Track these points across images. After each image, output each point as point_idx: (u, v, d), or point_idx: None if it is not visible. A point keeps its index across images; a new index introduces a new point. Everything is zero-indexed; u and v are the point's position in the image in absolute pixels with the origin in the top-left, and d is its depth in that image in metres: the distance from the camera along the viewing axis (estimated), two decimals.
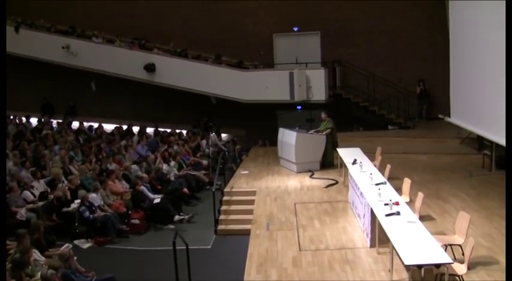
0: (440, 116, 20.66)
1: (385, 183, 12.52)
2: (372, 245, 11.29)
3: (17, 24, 27.06)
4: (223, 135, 25.71)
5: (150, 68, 24.57)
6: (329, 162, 18.80)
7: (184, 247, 11.25)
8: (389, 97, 23.55)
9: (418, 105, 24.17)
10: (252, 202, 15.82)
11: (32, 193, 16.26)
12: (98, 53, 25.65)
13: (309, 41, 25.77)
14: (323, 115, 19.33)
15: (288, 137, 18.72)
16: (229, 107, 24.45)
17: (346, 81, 25.33)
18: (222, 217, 15.91)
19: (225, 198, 16.71)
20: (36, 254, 11.94)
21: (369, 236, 11.43)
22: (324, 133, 18.74)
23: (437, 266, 8.37)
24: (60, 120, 26.98)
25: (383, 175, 13.72)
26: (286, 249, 11.79)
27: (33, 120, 27.15)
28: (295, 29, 25.77)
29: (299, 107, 24.27)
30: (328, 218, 13.60)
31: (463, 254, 9.83)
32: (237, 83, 23.74)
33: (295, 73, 22.45)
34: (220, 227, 15.53)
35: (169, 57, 25.30)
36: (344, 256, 11.08)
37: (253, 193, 16.49)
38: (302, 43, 25.84)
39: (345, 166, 15.51)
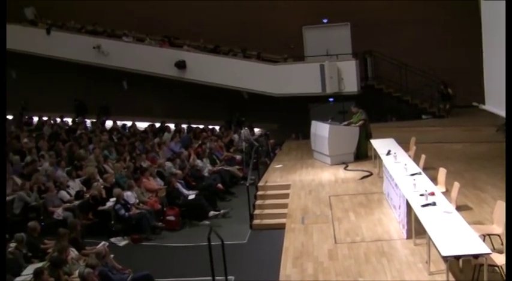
0: (474, 103, 20.37)
1: (420, 173, 12.42)
2: (408, 237, 11.21)
3: (48, 26, 27.31)
4: (256, 129, 25.68)
5: (180, 65, 24.64)
6: (363, 154, 18.71)
7: (220, 243, 11.25)
8: (422, 86, 23.27)
9: (440, 103, 23.69)
10: (286, 196, 15.82)
11: (68, 193, 16.47)
12: (129, 52, 25.80)
13: (339, 33, 25.63)
14: (353, 109, 19.25)
15: (321, 130, 18.67)
16: (262, 101, 24.40)
17: (377, 72, 25.12)
18: (256, 211, 15.91)
19: (259, 192, 16.71)
20: (73, 253, 12.06)
21: (405, 227, 11.34)
22: (357, 125, 18.65)
23: (476, 256, 8.26)
24: (94, 120, 27.23)
25: (418, 165, 13.61)
26: (321, 242, 11.77)
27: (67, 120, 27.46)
28: (325, 20, 25.63)
29: (331, 99, 24.16)
30: (363, 210, 13.54)
31: (502, 244, 9.69)
32: (269, 77, 23.69)
33: (326, 65, 22.33)
34: (256, 221, 15.53)
35: (200, 53, 25.35)
36: (380, 248, 11.02)
37: (288, 187, 16.49)
38: (332, 35, 25.70)
39: (379, 157, 15.42)
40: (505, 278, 8.38)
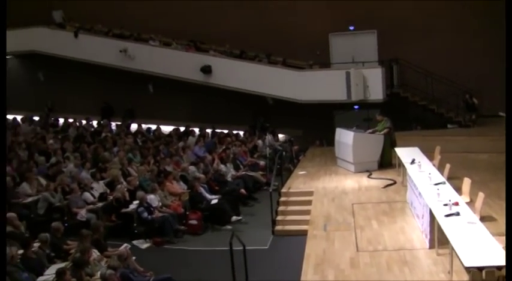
0: (501, 113, 20.20)
1: (444, 183, 12.35)
2: (431, 246, 11.14)
3: (75, 29, 27.56)
4: (280, 135, 25.67)
5: (206, 69, 24.72)
6: (387, 162, 18.62)
7: (242, 248, 11.25)
8: (448, 95, 23.10)
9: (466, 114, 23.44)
10: (309, 203, 15.78)
11: (92, 194, 16.55)
12: (155, 56, 25.96)
13: (365, 40, 25.55)
14: (378, 117, 19.20)
15: (345, 137, 18.63)
16: (286, 107, 24.40)
17: (403, 80, 24.96)
18: (279, 217, 15.88)
19: (282, 199, 16.69)
20: (95, 254, 12.13)
21: (428, 237, 11.28)
22: (381, 133, 18.58)
23: (499, 268, 8.18)
24: (119, 123, 27.40)
25: (442, 174, 13.54)
26: (343, 250, 11.74)
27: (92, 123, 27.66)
28: (351, 27, 25.58)
29: (356, 107, 24.09)
30: (386, 219, 13.49)
31: None
32: (294, 83, 23.67)
33: (351, 72, 22.26)
34: (278, 227, 15.50)
35: (226, 58, 25.42)
36: (402, 257, 10.96)
37: (311, 194, 16.46)
38: (358, 42, 25.63)
39: (403, 166, 15.34)
40: None
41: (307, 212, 15.03)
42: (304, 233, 13.46)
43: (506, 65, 11.94)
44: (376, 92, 22.48)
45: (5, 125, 16.95)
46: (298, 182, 17.94)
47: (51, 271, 11.16)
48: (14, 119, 28.56)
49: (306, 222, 14.36)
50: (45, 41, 27.92)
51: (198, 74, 24.96)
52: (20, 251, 11.71)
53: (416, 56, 24.01)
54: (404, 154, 15.98)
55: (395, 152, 17.20)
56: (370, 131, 19.11)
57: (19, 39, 28.04)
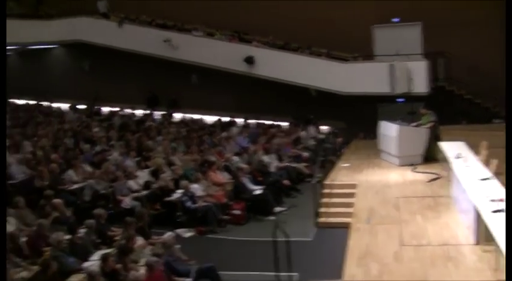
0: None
1: (490, 178, 12.19)
2: (477, 243, 11.02)
3: (120, 19, 27.82)
4: (324, 127, 25.62)
5: (249, 60, 24.77)
6: (431, 156, 18.43)
7: (285, 239, 11.29)
8: (494, 89, 22.76)
9: None
10: (352, 195, 15.72)
11: (136, 182, 16.76)
12: (198, 46, 26.10)
13: (409, 32, 25.27)
14: (422, 110, 19.04)
15: (389, 130, 18.51)
16: (330, 99, 24.33)
17: (448, 73, 24.70)
18: (322, 209, 15.82)
19: (325, 191, 16.60)
20: (140, 241, 12.29)
21: (473, 233, 11.16)
22: (426, 126, 18.42)
23: None
24: (163, 112, 27.63)
25: (488, 170, 13.35)
26: (387, 243, 11.69)
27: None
28: (396, 20, 25.34)
29: (400, 100, 23.89)
30: (430, 213, 13.37)
31: None
32: (337, 75, 23.61)
33: (395, 65, 22.11)
34: (321, 219, 15.46)
35: (269, 49, 25.42)
36: (447, 253, 10.87)
37: (354, 186, 16.37)
38: (403, 34, 25.33)
39: (448, 160, 15.17)
40: None
41: (351, 205, 14.99)
42: (347, 226, 13.42)
43: (506, 65, 11.83)
44: (421, 85, 22.28)
45: (5, 125, 17.24)
46: (342, 175, 17.87)
47: (96, 256, 11.34)
48: (60, 107, 29.04)
49: (349, 215, 14.31)
50: (90, 30, 28.25)
51: (241, 65, 25.03)
52: (67, 237, 11.93)
53: (462, 49, 23.71)
54: (450, 148, 15.75)
55: (439, 146, 17.02)
56: (414, 124, 18.95)
57: (65, 29, 28.51)
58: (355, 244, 11.90)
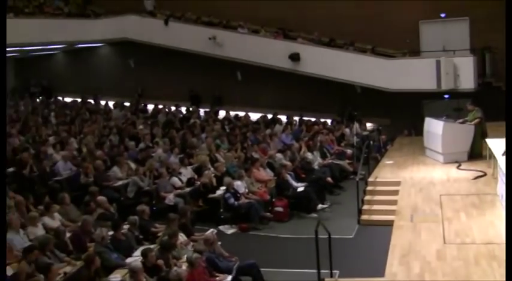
0: None
1: None
2: None
3: (166, 17, 28.02)
4: (368, 124, 25.44)
5: (294, 57, 24.71)
6: (477, 153, 18.14)
7: (327, 236, 11.23)
8: None
9: None
10: (396, 193, 15.57)
11: (180, 179, 16.87)
12: (243, 43, 26.16)
13: (456, 28, 24.94)
14: (469, 107, 18.75)
15: (434, 127, 18.27)
16: (374, 96, 24.13)
17: (496, 69, 24.24)
18: (365, 207, 15.73)
19: (368, 188, 16.52)
20: (182, 238, 12.36)
21: None
22: (472, 123, 18.14)
23: None
24: (208, 109, 27.75)
25: None
26: (430, 242, 11.55)
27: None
28: (443, 15, 25.01)
29: (446, 96, 23.58)
30: (475, 211, 13.17)
31: None
32: (383, 71, 23.38)
33: (442, 61, 21.80)
34: (364, 217, 15.36)
35: (314, 46, 25.33)
36: (491, 252, 10.68)
37: (398, 183, 16.23)
38: (450, 30, 25.03)
39: (494, 157, 14.92)
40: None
41: (394, 203, 14.85)
42: (390, 224, 13.30)
43: (506, 65, 11.60)
44: (467, 81, 21.93)
45: (5, 124, 17.48)
46: (385, 172, 17.73)
47: (140, 252, 11.42)
48: (106, 104, 29.40)
49: (392, 212, 14.18)
50: (136, 28, 28.55)
51: (286, 62, 24.98)
52: (110, 233, 12.07)
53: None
54: (496, 145, 15.50)
55: (486, 143, 16.76)
56: (460, 121, 18.67)
57: (112, 27, 28.87)
58: (398, 241, 11.79)
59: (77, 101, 30.62)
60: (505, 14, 22.59)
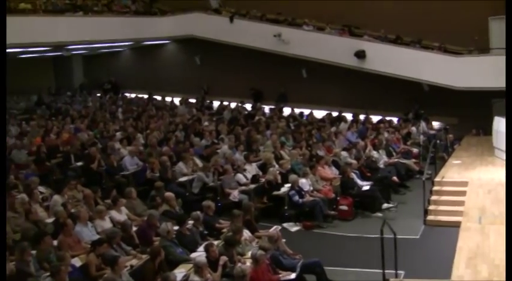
0: None
1: None
2: None
3: (231, 14, 28.14)
4: (435, 123, 25.06)
5: (360, 54, 24.50)
6: None
7: (392, 236, 11.09)
8: None
9: None
10: (463, 193, 15.29)
11: (245, 176, 16.93)
12: (309, 41, 26.03)
13: None
14: None
15: (503, 126, 17.84)
16: (442, 94, 23.73)
17: None
18: (431, 207, 15.49)
19: (435, 188, 16.26)
20: (246, 234, 12.39)
21: None
22: None
23: None
24: (272, 107, 27.78)
25: None
26: (499, 245, 11.23)
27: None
28: None
29: None
30: None
31: None
32: (451, 69, 22.96)
33: None
34: (430, 217, 15.13)
35: (380, 43, 25.07)
36: None
37: (465, 184, 15.93)
38: None
39: None
40: None
41: (461, 203, 14.59)
42: (457, 225, 13.06)
43: (506, 65, 11.21)
44: None
45: (5, 124, 17.75)
46: (453, 172, 17.43)
47: (203, 247, 11.51)
48: (172, 101, 29.75)
49: (459, 213, 13.94)
50: (202, 25, 28.76)
51: (351, 59, 24.78)
52: (175, 227, 12.18)
53: None
54: None
55: None
56: None
57: (178, 25, 29.18)
58: (465, 243, 11.56)
59: (143, 97, 31.05)
60: None
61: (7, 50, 23.85)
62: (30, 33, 22.71)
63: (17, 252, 10.16)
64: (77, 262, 10.73)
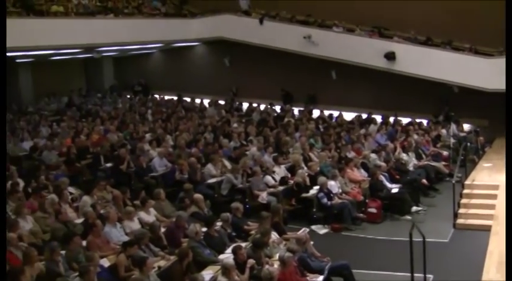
0: None
1: None
2: None
3: (261, 16, 28.16)
4: (466, 125, 24.84)
5: (390, 56, 24.35)
6: None
7: (421, 239, 11.00)
8: None
9: None
10: (494, 197, 15.17)
11: (273, 178, 16.94)
12: (338, 42, 25.92)
13: None
14: None
15: None
16: (472, 96, 23.49)
17: None
18: (461, 210, 15.38)
19: (465, 191, 16.13)
20: (274, 236, 12.39)
21: None
22: None
23: None
24: (302, 108, 27.74)
25: None
26: None
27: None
28: None
29: None
30: None
31: None
32: (482, 70, 22.71)
33: None
34: (459, 221, 15.03)
35: (410, 45, 24.91)
36: None
37: (496, 187, 15.77)
38: None
39: None
40: None
41: (492, 207, 14.47)
42: (487, 229, 12.98)
43: (506, 64, 11.05)
44: None
45: (5, 124, 17.83)
46: (483, 175, 17.26)
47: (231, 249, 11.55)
48: (201, 102, 29.85)
49: (490, 217, 13.84)
50: (231, 27, 28.79)
51: (381, 61, 24.63)
52: (204, 229, 12.22)
53: None
54: None
55: None
56: None
57: (207, 27, 29.25)
58: (496, 248, 11.45)
59: (172, 99, 31.18)
60: None
61: (39, 52, 24.37)
62: (62, 35, 22.91)
63: (47, 252, 10.31)
64: (105, 262, 10.85)
